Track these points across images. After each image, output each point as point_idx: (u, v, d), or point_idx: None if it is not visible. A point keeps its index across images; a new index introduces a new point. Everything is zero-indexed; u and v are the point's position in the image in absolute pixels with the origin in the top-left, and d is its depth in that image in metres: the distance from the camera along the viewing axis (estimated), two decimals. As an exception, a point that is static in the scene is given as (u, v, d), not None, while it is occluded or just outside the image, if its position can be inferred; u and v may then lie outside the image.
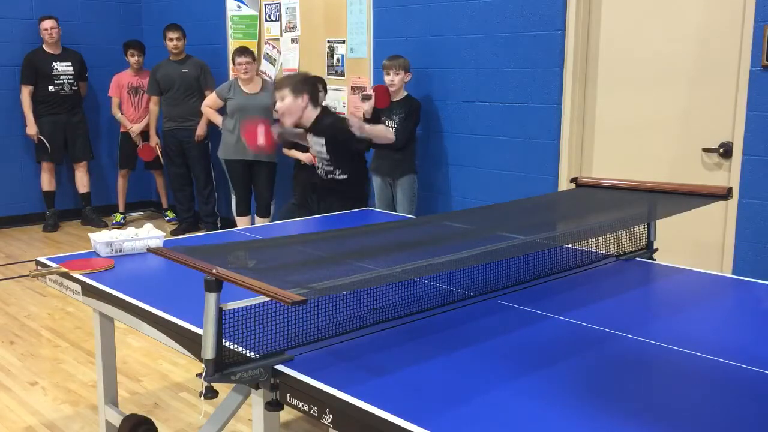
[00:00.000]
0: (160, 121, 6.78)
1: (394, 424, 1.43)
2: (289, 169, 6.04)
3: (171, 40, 6.45)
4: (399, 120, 4.66)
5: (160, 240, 2.84)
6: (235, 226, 5.69)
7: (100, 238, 2.76)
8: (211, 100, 6.06)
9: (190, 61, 6.54)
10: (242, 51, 5.74)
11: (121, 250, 2.77)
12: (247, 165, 5.86)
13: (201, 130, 6.50)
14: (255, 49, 6.31)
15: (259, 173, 5.88)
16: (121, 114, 6.95)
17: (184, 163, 6.68)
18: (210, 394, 1.68)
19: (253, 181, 5.94)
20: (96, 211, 7.18)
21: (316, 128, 3.99)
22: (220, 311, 1.64)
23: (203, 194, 6.69)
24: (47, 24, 6.69)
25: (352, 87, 5.48)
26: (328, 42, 5.61)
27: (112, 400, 2.82)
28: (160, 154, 6.95)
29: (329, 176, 4.04)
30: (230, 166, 5.92)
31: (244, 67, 5.70)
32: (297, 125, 4.06)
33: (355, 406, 1.51)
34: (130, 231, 2.86)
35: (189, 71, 6.50)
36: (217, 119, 6.01)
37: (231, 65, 6.58)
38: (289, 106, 3.93)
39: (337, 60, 5.56)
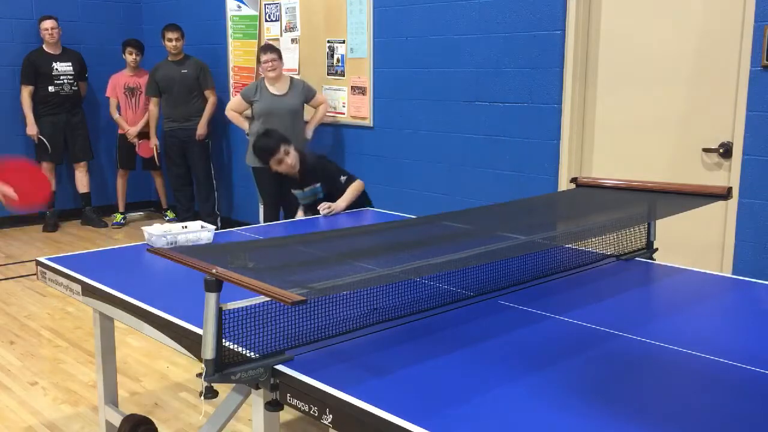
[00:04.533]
0: (160, 122, 6.76)
1: (394, 424, 1.43)
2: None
3: (170, 40, 6.42)
4: None
5: (210, 233, 3.00)
6: (234, 226, 5.66)
7: (156, 231, 2.92)
8: (235, 103, 5.58)
9: (190, 62, 6.52)
10: (268, 48, 5.39)
11: (175, 242, 2.91)
12: (277, 172, 5.58)
13: (202, 129, 6.48)
14: (255, 49, 6.31)
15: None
16: (119, 115, 6.95)
17: (185, 164, 6.67)
18: (210, 394, 1.68)
19: (283, 188, 5.33)
20: (96, 211, 7.17)
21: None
22: (220, 311, 1.64)
23: (203, 193, 6.68)
24: (47, 24, 6.69)
25: (352, 87, 5.48)
26: (328, 42, 5.61)
27: (112, 400, 2.82)
28: (156, 156, 6.95)
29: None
30: (259, 174, 5.44)
31: (270, 64, 5.29)
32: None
33: (355, 406, 1.51)
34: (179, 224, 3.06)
35: (189, 71, 6.48)
36: (244, 125, 5.59)
37: (230, 66, 6.60)
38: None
39: (337, 60, 5.55)
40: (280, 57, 5.39)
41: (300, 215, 4.13)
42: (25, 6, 6.93)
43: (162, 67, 6.55)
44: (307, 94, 5.45)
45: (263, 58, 5.36)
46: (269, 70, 5.33)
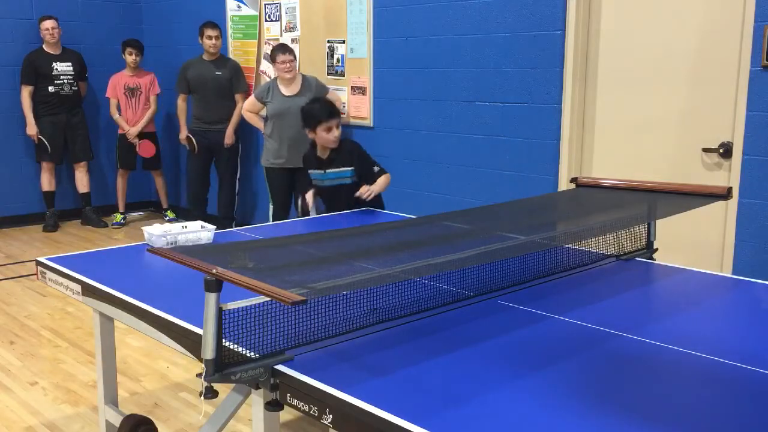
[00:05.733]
0: (188, 121, 6.51)
1: (394, 424, 1.43)
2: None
3: (210, 38, 6.17)
4: None
5: (210, 233, 2.99)
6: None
7: (156, 231, 2.91)
8: (250, 104, 5.57)
9: (226, 63, 6.28)
10: (283, 48, 5.30)
11: (175, 242, 2.90)
12: (289, 173, 5.39)
13: (229, 139, 6.24)
14: (255, 49, 6.31)
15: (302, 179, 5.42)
16: (119, 115, 6.94)
17: (207, 166, 6.47)
18: (210, 394, 1.68)
19: (295, 187, 5.21)
20: (96, 211, 7.17)
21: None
22: (220, 311, 1.64)
23: (228, 197, 6.46)
24: (47, 24, 6.69)
25: (352, 87, 5.48)
26: (328, 42, 5.61)
27: (112, 400, 2.82)
28: (194, 146, 6.41)
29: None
30: (271, 174, 5.50)
31: (287, 65, 5.24)
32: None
33: (355, 406, 1.51)
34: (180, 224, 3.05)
35: (223, 73, 6.23)
36: (260, 125, 5.57)
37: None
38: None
39: (337, 60, 5.55)
40: (295, 57, 5.36)
41: (309, 197, 3.99)
42: (25, 6, 6.94)
43: (195, 65, 6.31)
44: (318, 93, 5.34)
45: (280, 58, 5.26)
46: (286, 72, 5.28)
